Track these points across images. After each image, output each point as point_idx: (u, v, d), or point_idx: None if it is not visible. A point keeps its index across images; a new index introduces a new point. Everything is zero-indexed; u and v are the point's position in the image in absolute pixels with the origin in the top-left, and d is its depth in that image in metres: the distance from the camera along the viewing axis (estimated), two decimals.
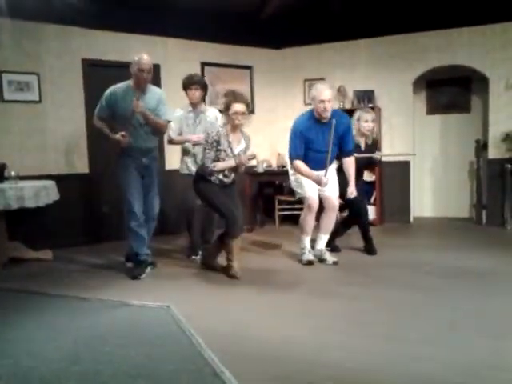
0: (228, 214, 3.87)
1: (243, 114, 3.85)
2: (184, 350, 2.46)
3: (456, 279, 3.69)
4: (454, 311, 2.97)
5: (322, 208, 4.35)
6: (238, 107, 3.82)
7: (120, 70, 5.56)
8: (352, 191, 4.18)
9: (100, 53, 5.52)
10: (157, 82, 5.85)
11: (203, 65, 6.27)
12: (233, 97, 3.86)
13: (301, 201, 6.27)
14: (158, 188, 4.24)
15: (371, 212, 6.50)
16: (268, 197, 6.71)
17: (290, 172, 4.40)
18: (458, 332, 2.64)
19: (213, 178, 3.92)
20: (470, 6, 5.90)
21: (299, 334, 2.67)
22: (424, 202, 6.91)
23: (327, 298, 3.31)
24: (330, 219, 4.34)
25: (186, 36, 6.01)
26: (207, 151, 3.85)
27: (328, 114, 4.07)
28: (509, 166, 5.79)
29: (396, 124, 6.33)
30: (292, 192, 6.51)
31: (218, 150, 3.86)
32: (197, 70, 6.14)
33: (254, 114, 6.43)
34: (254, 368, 2.27)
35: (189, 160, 4.56)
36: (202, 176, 3.94)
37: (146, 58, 3.93)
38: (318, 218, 4.40)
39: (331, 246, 4.65)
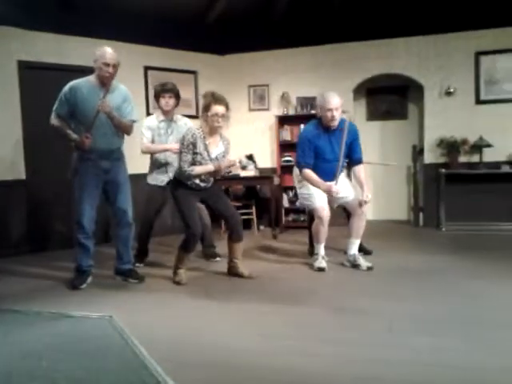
0: (192, 229, 3.76)
1: (223, 115, 3.73)
2: (127, 361, 2.40)
3: (394, 280, 3.85)
4: (394, 312, 3.09)
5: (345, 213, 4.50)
6: (219, 109, 3.70)
7: (59, 72, 5.42)
8: (367, 195, 4.07)
9: (38, 55, 5.31)
10: None
11: (146, 69, 6.18)
12: (212, 98, 3.72)
13: (247, 205, 6.38)
14: (128, 190, 3.95)
15: None
16: None
17: (298, 185, 4.33)
18: (395, 332, 2.75)
19: (189, 182, 3.80)
20: (406, 18, 6.19)
21: (249, 341, 2.67)
22: None
23: (270, 304, 3.34)
24: (360, 223, 4.22)
25: (129, 39, 5.89)
26: (184, 154, 3.71)
27: (336, 123, 4.01)
28: (443, 170, 6.09)
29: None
30: (236, 197, 6.59)
31: (194, 153, 3.72)
32: (140, 74, 6.08)
33: (199, 120, 6.41)
34: (200, 375, 2.25)
35: (160, 171, 4.44)
36: (180, 181, 3.82)
37: (110, 52, 3.65)
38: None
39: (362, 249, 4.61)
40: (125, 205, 3.91)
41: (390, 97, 6.89)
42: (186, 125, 4.45)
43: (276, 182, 6.20)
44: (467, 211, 6.02)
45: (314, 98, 6.52)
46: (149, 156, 4.56)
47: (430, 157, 6.31)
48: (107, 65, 3.62)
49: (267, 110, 6.85)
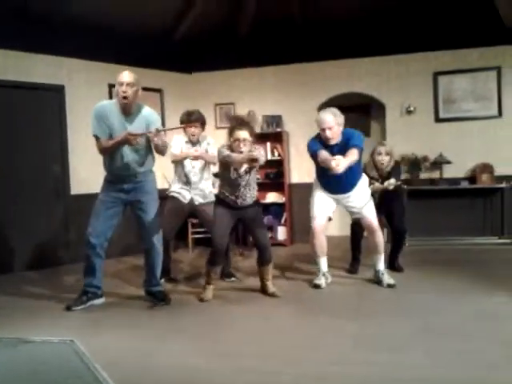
0: (215, 243, 3.82)
1: (244, 140, 3.70)
2: None
3: (359, 296, 3.90)
4: (359, 327, 3.12)
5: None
6: (240, 134, 3.70)
7: (19, 90, 5.33)
8: (337, 163, 3.59)
9: None
10: (61, 104, 5.67)
11: (111, 86, 6.12)
12: (236, 122, 3.74)
13: None
14: (155, 211, 3.81)
15: (282, 233, 6.70)
16: None
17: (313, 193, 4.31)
18: (360, 349, 2.77)
19: (226, 199, 3.84)
20: (368, 39, 6.39)
21: (209, 361, 2.66)
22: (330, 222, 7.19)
23: (233, 322, 3.36)
24: (374, 240, 4.17)
25: (93, 57, 5.86)
26: (222, 151, 3.73)
27: (333, 141, 3.94)
28: (405, 186, 6.23)
29: (304, 148, 6.57)
30: None
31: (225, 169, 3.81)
32: (104, 92, 6.02)
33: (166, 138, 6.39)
34: None
35: (184, 187, 4.47)
36: (220, 199, 3.90)
37: (126, 72, 3.54)
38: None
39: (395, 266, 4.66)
40: (148, 226, 3.78)
41: (353, 115, 7.00)
42: (208, 145, 4.52)
43: None
44: (429, 226, 6.18)
45: (279, 117, 6.67)
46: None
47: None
48: (121, 84, 3.49)
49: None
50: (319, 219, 4.16)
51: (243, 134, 3.71)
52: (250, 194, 3.88)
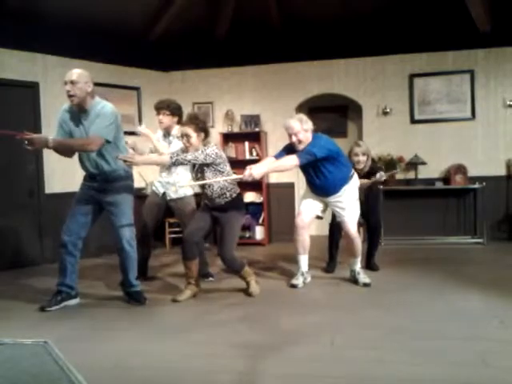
0: (184, 235, 3.89)
1: (187, 136, 3.70)
2: None
3: (335, 295, 3.94)
4: (336, 326, 3.16)
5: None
6: (183, 130, 3.75)
7: None
8: (249, 173, 3.61)
9: None
10: (36, 101, 5.57)
11: None
12: (185, 118, 3.82)
13: None
14: (127, 212, 3.75)
15: (259, 233, 6.72)
16: None
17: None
18: (338, 347, 2.80)
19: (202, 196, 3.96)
20: (345, 41, 6.45)
21: (183, 362, 2.66)
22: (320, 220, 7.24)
23: (206, 322, 3.35)
24: (350, 243, 4.21)
25: (70, 54, 5.77)
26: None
27: (302, 146, 3.95)
28: (381, 186, 6.31)
29: (281, 148, 6.61)
30: None
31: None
32: None
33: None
34: None
35: (160, 181, 4.48)
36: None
37: (72, 70, 3.50)
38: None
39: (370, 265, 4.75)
40: (118, 228, 3.72)
41: (331, 116, 7.10)
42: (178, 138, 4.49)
43: None
44: (404, 226, 6.28)
45: (257, 116, 6.68)
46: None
47: None
48: (65, 83, 3.48)
49: (212, 127, 6.83)
50: (303, 216, 4.21)
51: (184, 129, 3.73)
52: (216, 195, 3.81)
